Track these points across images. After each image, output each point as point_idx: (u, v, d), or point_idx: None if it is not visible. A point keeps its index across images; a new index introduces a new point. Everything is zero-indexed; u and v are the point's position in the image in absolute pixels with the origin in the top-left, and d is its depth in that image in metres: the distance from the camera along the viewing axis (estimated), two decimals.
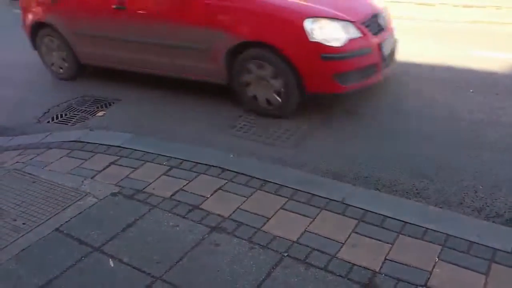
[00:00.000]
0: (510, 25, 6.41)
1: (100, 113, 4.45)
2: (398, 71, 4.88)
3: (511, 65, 4.84)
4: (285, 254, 2.29)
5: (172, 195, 2.84)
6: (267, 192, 2.81)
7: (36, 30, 5.46)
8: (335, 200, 2.67)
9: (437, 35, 6.13)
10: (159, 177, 3.05)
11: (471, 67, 4.87)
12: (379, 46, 3.93)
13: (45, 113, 4.56)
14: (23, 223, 2.68)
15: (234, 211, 2.64)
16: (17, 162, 3.44)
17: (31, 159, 3.46)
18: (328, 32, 3.69)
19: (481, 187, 2.88)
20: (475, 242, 2.28)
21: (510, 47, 5.47)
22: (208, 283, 2.16)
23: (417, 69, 4.93)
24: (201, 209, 2.68)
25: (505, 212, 2.63)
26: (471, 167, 3.09)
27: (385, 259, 2.22)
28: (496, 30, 6.27)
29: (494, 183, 2.90)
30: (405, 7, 7.57)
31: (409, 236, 2.36)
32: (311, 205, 2.65)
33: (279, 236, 2.41)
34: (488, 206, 2.69)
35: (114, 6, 4.53)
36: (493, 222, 2.53)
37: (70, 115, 4.47)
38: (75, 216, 2.70)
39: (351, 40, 3.74)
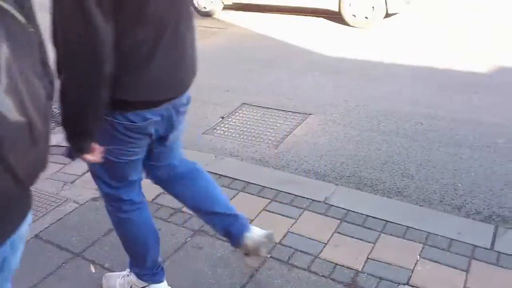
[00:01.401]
0: None
1: None
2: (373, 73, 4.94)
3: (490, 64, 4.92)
4: (268, 256, 2.28)
5: (154, 198, 2.81)
6: (249, 193, 2.80)
7: None
8: (317, 201, 2.68)
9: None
10: None
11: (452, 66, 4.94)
12: None
13: None
14: None
15: None
16: None
17: None
18: None
19: (460, 184, 2.92)
20: (455, 239, 2.32)
21: None
22: (192, 286, 2.15)
23: (398, 69, 4.99)
24: (183, 212, 2.66)
25: (484, 209, 2.67)
26: (451, 165, 3.14)
27: (368, 258, 2.23)
28: None
29: (473, 181, 2.95)
30: None
31: (390, 234, 2.39)
32: (293, 205, 2.66)
33: None
34: (467, 203, 2.73)
35: None
36: (473, 219, 2.57)
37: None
38: (55, 222, 2.66)
39: None
